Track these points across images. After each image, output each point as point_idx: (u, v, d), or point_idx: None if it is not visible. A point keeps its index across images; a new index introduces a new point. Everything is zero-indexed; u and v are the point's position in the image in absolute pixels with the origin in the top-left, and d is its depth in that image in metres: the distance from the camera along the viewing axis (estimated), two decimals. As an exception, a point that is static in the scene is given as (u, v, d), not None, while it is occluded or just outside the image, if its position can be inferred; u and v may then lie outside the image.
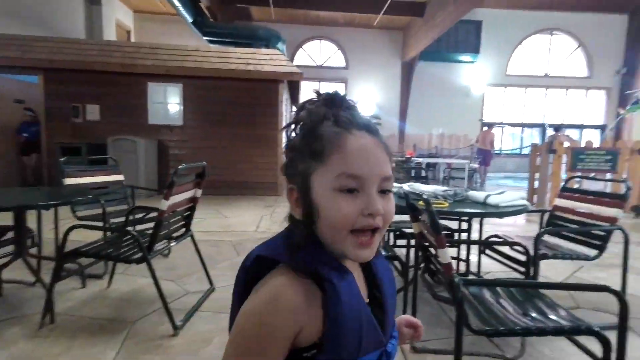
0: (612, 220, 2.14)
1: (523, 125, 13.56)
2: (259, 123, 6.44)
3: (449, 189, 2.28)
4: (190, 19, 8.40)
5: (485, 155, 9.28)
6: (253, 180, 6.45)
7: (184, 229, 2.34)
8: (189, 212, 2.35)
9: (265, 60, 6.48)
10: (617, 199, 2.21)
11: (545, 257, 2.08)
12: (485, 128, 9.89)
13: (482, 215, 2.23)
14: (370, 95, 12.59)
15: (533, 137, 13.31)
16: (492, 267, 2.81)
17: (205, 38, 8.88)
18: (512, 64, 13.00)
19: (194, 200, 2.31)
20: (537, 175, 6.08)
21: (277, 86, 6.42)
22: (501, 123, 13.09)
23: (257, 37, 8.48)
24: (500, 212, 1.97)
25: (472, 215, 2.36)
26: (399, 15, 11.04)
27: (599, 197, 2.28)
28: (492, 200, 2.04)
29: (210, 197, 5.71)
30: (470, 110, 12.81)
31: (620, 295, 1.13)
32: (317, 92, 0.52)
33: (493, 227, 4.20)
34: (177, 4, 7.75)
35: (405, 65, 12.31)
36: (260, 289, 0.47)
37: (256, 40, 8.38)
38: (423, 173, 6.39)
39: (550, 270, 2.88)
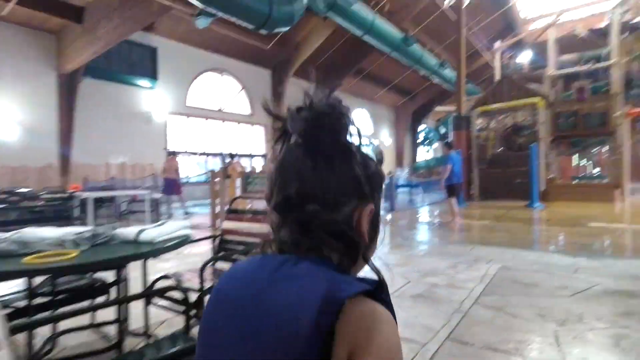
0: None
1: (207, 154, 14.35)
2: None
3: (88, 230, 1.61)
4: None
5: (172, 184, 8.86)
6: None
7: None
8: None
9: None
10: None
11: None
12: (170, 156, 9.52)
13: (125, 260, 1.63)
14: (6, 111, 9.07)
15: (217, 165, 14.35)
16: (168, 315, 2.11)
17: None
18: (192, 96, 13.50)
19: None
20: (219, 200, 6.21)
21: None
22: (186, 152, 13.24)
23: None
24: (154, 250, 1.55)
25: (109, 264, 1.71)
26: (44, 13, 8.70)
27: (261, 215, 2.28)
28: (145, 236, 1.61)
29: None
30: (154, 137, 12.12)
31: None
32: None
33: (177, 262, 3.61)
34: None
35: (64, 79, 9.84)
36: (378, 325, 0.43)
37: None
38: (77, 213, 4.85)
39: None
